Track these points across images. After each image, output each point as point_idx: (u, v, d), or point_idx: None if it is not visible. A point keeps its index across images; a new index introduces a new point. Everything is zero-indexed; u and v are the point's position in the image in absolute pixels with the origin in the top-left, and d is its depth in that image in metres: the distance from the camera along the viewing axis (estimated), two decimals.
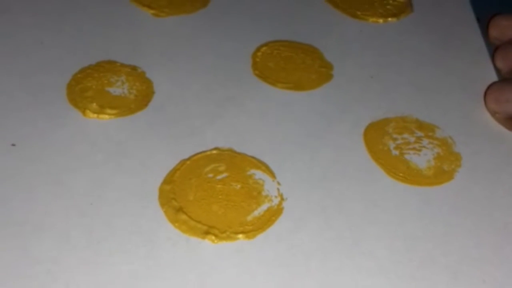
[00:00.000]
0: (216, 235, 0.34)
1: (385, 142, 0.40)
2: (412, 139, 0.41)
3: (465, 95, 0.45)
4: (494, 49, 0.48)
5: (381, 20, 0.52)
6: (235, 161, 0.38)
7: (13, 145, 0.38)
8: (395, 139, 0.41)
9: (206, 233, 0.34)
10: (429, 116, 0.43)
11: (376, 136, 0.41)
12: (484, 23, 0.51)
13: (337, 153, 0.40)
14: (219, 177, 0.37)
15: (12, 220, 0.34)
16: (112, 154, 0.38)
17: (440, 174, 0.39)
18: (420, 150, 0.40)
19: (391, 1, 0.53)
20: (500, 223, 0.36)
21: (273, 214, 0.35)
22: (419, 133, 0.41)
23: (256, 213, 0.35)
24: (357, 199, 0.37)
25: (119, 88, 0.42)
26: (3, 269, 0.31)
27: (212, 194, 0.36)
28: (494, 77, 0.46)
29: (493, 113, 0.43)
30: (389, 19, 0.52)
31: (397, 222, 0.36)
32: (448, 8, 0.54)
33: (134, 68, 0.44)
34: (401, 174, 0.38)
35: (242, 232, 0.34)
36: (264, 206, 0.36)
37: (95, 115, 0.40)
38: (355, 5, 0.53)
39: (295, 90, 0.44)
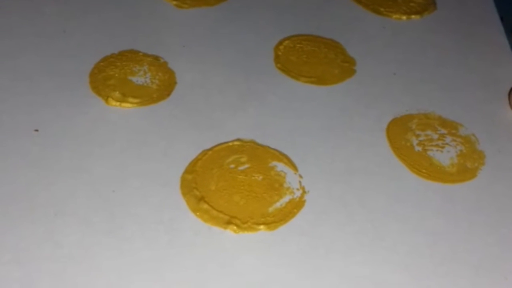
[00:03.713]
0: (238, 225, 0.34)
1: (408, 138, 0.40)
2: (435, 136, 0.40)
3: (489, 94, 0.45)
4: None
5: (404, 17, 0.51)
6: (257, 153, 0.38)
7: (36, 130, 0.38)
8: (418, 136, 0.40)
9: (228, 223, 0.34)
10: (453, 113, 0.42)
11: (399, 132, 0.40)
12: (507, 22, 0.51)
13: (360, 148, 0.39)
14: (241, 168, 0.37)
15: (35, 205, 0.34)
16: (134, 142, 0.38)
17: (463, 172, 0.38)
18: (443, 147, 0.40)
19: None
20: None
21: (295, 206, 0.35)
22: (443, 130, 0.41)
23: (278, 204, 0.35)
24: (379, 194, 0.37)
25: (142, 77, 0.42)
26: (27, 252, 0.31)
27: (233, 185, 0.36)
28: None
29: None
30: (413, 16, 0.52)
31: (419, 218, 0.36)
32: (472, 7, 0.54)
33: (156, 58, 0.44)
34: (424, 171, 0.38)
35: (263, 223, 0.34)
36: (286, 198, 0.36)
37: (118, 104, 0.40)
38: (378, 1, 0.53)
39: (317, 85, 0.44)
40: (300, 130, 0.40)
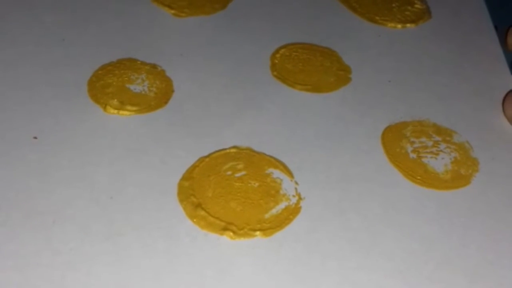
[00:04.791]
0: (234, 232, 0.34)
1: (403, 145, 0.41)
2: (430, 143, 0.41)
3: (483, 102, 0.45)
4: None
5: (399, 26, 0.52)
6: (253, 160, 0.38)
7: (35, 138, 0.38)
8: (412, 143, 0.41)
9: (224, 229, 0.34)
10: (447, 121, 0.43)
11: (393, 139, 0.41)
12: (502, 32, 0.52)
13: (355, 155, 0.40)
14: (237, 175, 0.37)
15: (33, 212, 0.34)
16: (132, 149, 0.38)
17: (457, 179, 0.39)
18: (437, 154, 0.40)
19: (409, 7, 0.54)
20: None
21: (291, 213, 0.36)
22: (437, 138, 0.41)
23: (274, 211, 0.36)
24: (375, 201, 0.37)
25: (140, 85, 0.43)
26: (24, 258, 0.32)
27: (230, 191, 0.36)
28: None
29: (511, 120, 0.43)
30: (408, 25, 0.52)
31: (414, 225, 0.36)
32: (466, 16, 0.54)
33: (154, 66, 0.44)
34: (418, 177, 0.38)
35: (259, 230, 0.34)
36: (282, 205, 0.36)
37: (116, 111, 0.40)
38: (373, 10, 0.53)
39: (313, 92, 0.44)
40: (296, 137, 0.41)
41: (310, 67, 0.46)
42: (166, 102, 0.42)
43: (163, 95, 0.42)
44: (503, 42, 0.51)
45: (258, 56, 0.47)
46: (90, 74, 0.43)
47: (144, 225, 0.34)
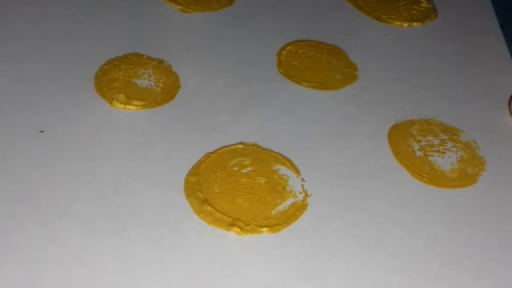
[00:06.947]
0: (241, 228, 0.34)
1: (409, 144, 0.41)
2: (436, 141, 0.41)
3: (489, 101, 0.45)
4: None
5: (405, 24, 0.52)
6: (260, 156, 0.38)
7: (41, 131, 0.38)
8: (419, 141, 0.41)
9: (231, 225, 0.34)
10: (453, 120, 0.43)
11: (400, 137, 0.41)
12: (507, 31, 0.52)
13: (361, 152, 0.40)
14: (244, 171, 0.37)
15: (40, 206, 0.34)
16: (138, 144, 0.38)
17: (464, 177, 0.39)
18: (444, 153, 0.40)
19: (416, 6, 0.54)
20: None
21: (298, 209, 0.36)
22: (443, 136, 0.41)
23: (280, 207, 0.36)
24: (381, 198, 0.37)
25: (146, 80, 0.43)
26: (31, 252, 0.32)
27: (237, 187, 0.36)
28: None
29: None
30: (414, 23, 0.52)
31: (420, 223, 0.36)
32: (472, 15, 0.54)
33: (160, 61, 0.44)
34: (425, 176, 0.38)
35: (266, 226, 0.34)
36: (289, 201, 0.36)
37: (122, 106, 0.40)
38: (380, 8, 0.53)
39: (319, 90, 0.44)
40: (303, 134, 0.41)
41: (317, 64, 0.46)
42: (172, 98, 0.42)
43: (169, 90, 0.42)
44: (509, 41, 0.51)
45: (265, 52, 0.47)
46: (97, 68, 0.43)
47: (150, 220, 0.34)
